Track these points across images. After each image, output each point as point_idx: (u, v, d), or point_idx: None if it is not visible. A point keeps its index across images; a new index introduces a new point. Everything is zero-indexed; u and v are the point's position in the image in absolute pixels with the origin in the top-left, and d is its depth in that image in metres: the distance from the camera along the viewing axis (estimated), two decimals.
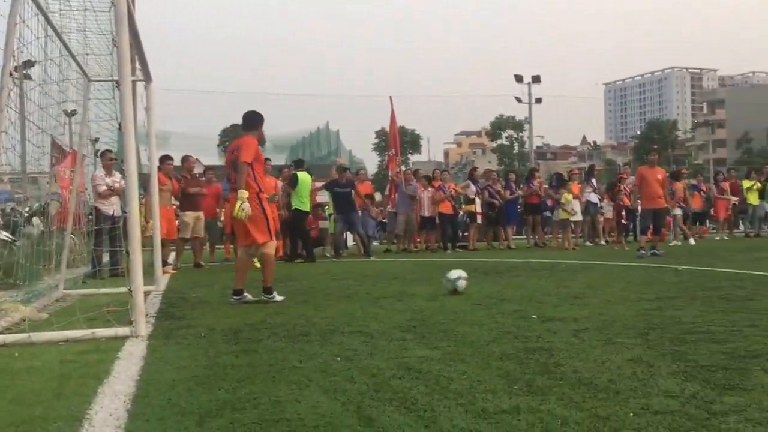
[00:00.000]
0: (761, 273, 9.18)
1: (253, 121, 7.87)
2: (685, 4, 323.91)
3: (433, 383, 3.74)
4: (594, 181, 19.17)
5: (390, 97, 19.28)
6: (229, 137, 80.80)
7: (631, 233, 19.46)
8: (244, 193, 7.25)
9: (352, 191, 15.62)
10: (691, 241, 18.19)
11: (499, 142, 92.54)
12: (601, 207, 18.92)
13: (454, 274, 7.79)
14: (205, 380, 3.98)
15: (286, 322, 6.03)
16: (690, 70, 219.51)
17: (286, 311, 6.77)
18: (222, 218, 15.25)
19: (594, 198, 18.63)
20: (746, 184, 21.08)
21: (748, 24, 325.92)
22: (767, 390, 3.43)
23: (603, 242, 18.90)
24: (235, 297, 7.68)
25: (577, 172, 20.16)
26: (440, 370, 4.04)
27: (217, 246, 15.70)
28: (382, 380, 3.86)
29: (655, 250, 13.44)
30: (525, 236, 19.57)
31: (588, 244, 18.57)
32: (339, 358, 4.46)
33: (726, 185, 20.90)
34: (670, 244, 17.53)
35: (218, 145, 79.98)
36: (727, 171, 24.31)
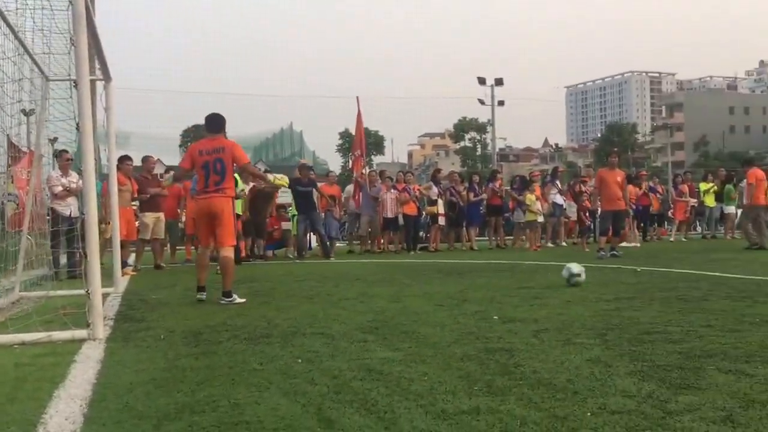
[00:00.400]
0: (716, 274, 9.35)
1: (221, 123, 8.03)
2: (645, 9, 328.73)
3: (394, 384, 3.75)
4: (558, 182, 19.38)
5: (357, 97, 19.28)
6: (191, 138, 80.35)
7: (592, 234, 19.66)
8: (283, 178, 9.13)
9: (314, 191, 15.62)
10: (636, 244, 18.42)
11: (462, 143, 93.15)
12: (566, 209, 19.12)
13: (576, 269, 7.89)
14: (164, 383, 3.94)
15: (246, 324, 6.00)
16: (649, 74, 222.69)
17: (247, 313, 6.73)
18: (183, 219, 15.17)
19: (559, 200, 18.83)
20: (703, 186, 21.42)
21: (705, 29, 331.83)
22: (721, 389, 3.49)
23: (563, 243, 19.09)
24: (200, 293, 7.89)
25: (538, 174, 20.32)
26: (401, 371, 4.05)
27: (177, 247, 15.56)
28: (343, 382, 3.85)
29: (615, 251, 13.61)
30: (487, 237, 19.69)
31: (550, 245, 18.73)
32: (300, 360, 4.45)
33: (684, 188, 21.22)
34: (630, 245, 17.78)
35: (180, 146, 79.50)
36: (684, 173, 24.71)
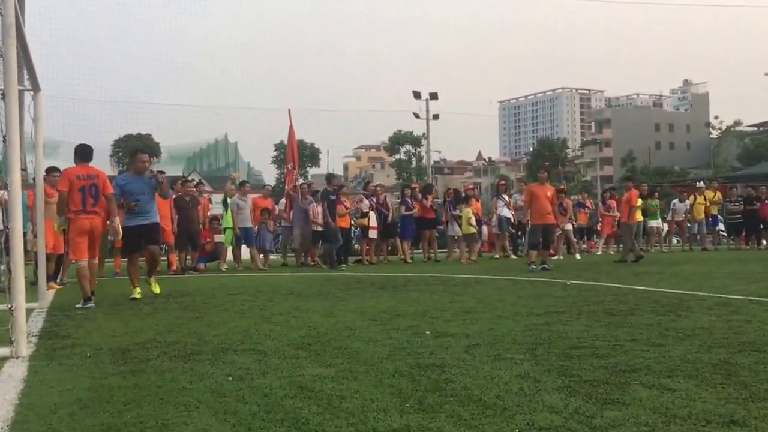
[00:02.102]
0: (642, 288, 9.58)
1: (91, 152, 9.48)
2: (574, 28, 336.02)
3: (326, 402, 3.75)
4: (505, 196, 19.70)
5: (289, 110, 19.21)
6: (122, 147, 78.99)
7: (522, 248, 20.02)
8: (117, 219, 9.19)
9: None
10: (577, 256, 18.82)
11: (397, 156, 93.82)
12: (511, 222, 19.44)
13: None
14: (89, 404, 3.85)
15: (176, 341, 5.90)
16: (579, 91, 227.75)
17: (177, 329, 6.62)
18: None
19: (507, 213, 19.14)
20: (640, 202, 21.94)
21: (632, 48, 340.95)
22: (645, 404, 3.58)
23: (513, 256, 19.40)
24: (87, 303, 8.62)
25: (472, 187, 20.61)
26: (333, 388, 4.05)
27: (106, 260, 15.24)
28: (274, 400, 3.83)
29: (545, 265, 13.82)
30: (421, 251, 19.83)
31: (497, 256, 19.06)
32: (231, 378, 4.40)
33: (613, 202, 21.70)
34: (577, 257, 18.26)
35: (111, 156, 78.02)
36: (611, 189, 25.30)
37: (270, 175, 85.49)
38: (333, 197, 16.49)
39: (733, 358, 4.66)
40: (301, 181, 19.04)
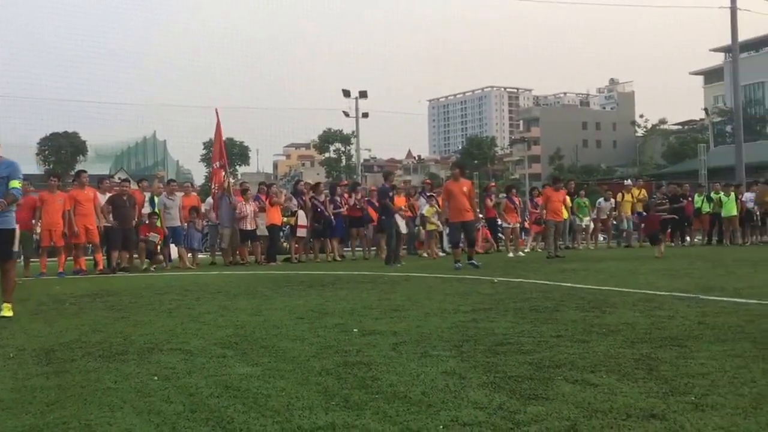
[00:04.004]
0: (568, 284, 9.74)
1: None
2: (503, 27, 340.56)
3: (251, 401, 3.72)
4: (428, 194, 19.88)
5: (216, 109, 19.00)
6: (48, 146, 76.91)
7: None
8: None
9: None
10: (517, 253, 19.11)
11: (327, 154, 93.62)
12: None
13: None
14: (12, 405, 3.77)
15: (102, 341, 5.79)
16: (508, 90, 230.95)
17: (103, 329, 6.49)
18: (38, 231, 14.59)
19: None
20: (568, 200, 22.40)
21: (559, 48, 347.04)
22: (567, 399, 3.65)
23: (425, 254, 19.54)
24: None
25: (402, 185, 20.75)
26: (259, 387, 4.02)
27: (31, 260, 14.88)
28: (200, 400, 3.79)
29: (473, 261, 13.92)
30: (362, 248, 19.88)
31: (425, 255, 19.22)
32: (156, 378, 4.34)
33: (540, 200, 22.08)
34: (509, 255, 18.52)
35: (37, 154, 75.90)
36: (542, 186, 25.75)
37: (199, 174, 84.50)
38: (391, 193, 16.52)
39: (655, 353, 4.77)
40: (232, 180, 18.91)
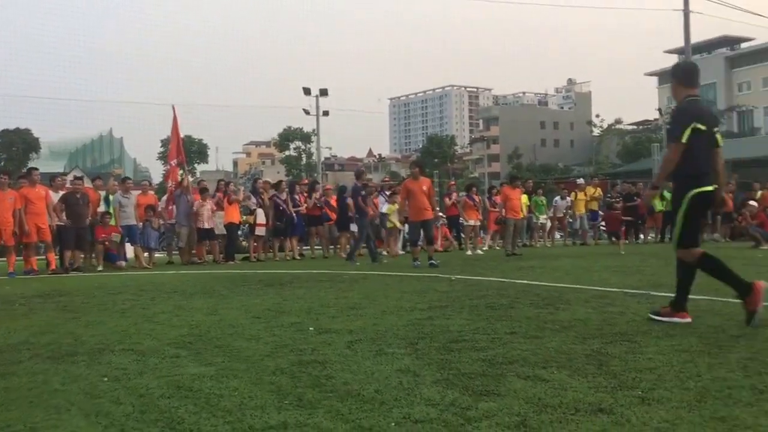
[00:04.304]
0: (524, 282, 9.82)
1: None
2: (463, 25, 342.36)
3: (203, 401, 3.69)
4: (387, 193, 19.94)
5: (173, 106, 18.76)
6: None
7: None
8: None
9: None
10: (476, 251, 19.24)
11: (287, 153, 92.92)
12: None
13: None
14: None
15: (51, 342, 5.70)
16: (468, 89, 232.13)
17: (53, 330, 6.38)
18: None
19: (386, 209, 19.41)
20: (525, 198, 22.60)
21: (518, 48, 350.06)
22: (519, 395, 3.68)
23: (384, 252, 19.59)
24: None
25: (388, 179, 20.87)
26: (211, 387, 3.99)
27: None
28: (150, 400, 3.75)
29: (432, 261, 13.97)
30: (310, 248, 19.82)
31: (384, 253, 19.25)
32: (106, 379, 4.29)
33: (498, 198, 22.24)
34: (468, 253, 18.66)
35: None
36: (500, 185, 25.95)
37: (157, 172, 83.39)
38: (363, 193, 16.39)
39: (605, 348, 4.84)
40: (191, 177, 18.75)
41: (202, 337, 5.74)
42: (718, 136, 6.14)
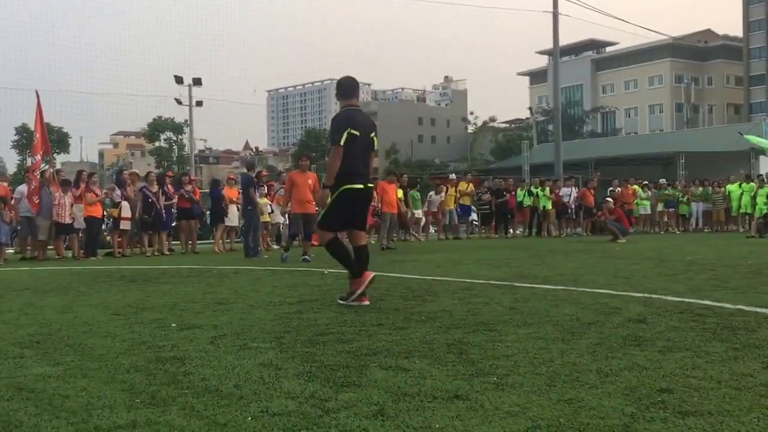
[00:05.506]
0: (395, 274, 9.84)
1: None
2: (343, 20, 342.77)
3: (46, 403, 3.48)
4: (264, 187, 19.76)
5: (36, 91, 17.81)
6: None
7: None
8: None
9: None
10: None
11: (157, 143, 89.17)
12: (272, 211, 19.45)
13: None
14: None
15: None
16: None
17: None
18: None
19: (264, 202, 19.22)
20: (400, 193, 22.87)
21: (398, 44, 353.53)
22: (379, 384, 3.67)
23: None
24: None
25: (234, 177, 20.46)
26: (57, 387, 3.77)
27: None
28: None
29: (306, 256, 13.81)
30: (180, 242, 19.30)
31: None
32: None
33: (375, 193, 22.47)
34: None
35: None
36: (377, 179, 26.15)
37: (11, 161, 79.23)
38: (259, 184, 16.42)
39: (466, 337, 4.91)
40: (53, 168, 17.88)
41: (52, 336, 5.43)
42: (376, 139, 7.13)
